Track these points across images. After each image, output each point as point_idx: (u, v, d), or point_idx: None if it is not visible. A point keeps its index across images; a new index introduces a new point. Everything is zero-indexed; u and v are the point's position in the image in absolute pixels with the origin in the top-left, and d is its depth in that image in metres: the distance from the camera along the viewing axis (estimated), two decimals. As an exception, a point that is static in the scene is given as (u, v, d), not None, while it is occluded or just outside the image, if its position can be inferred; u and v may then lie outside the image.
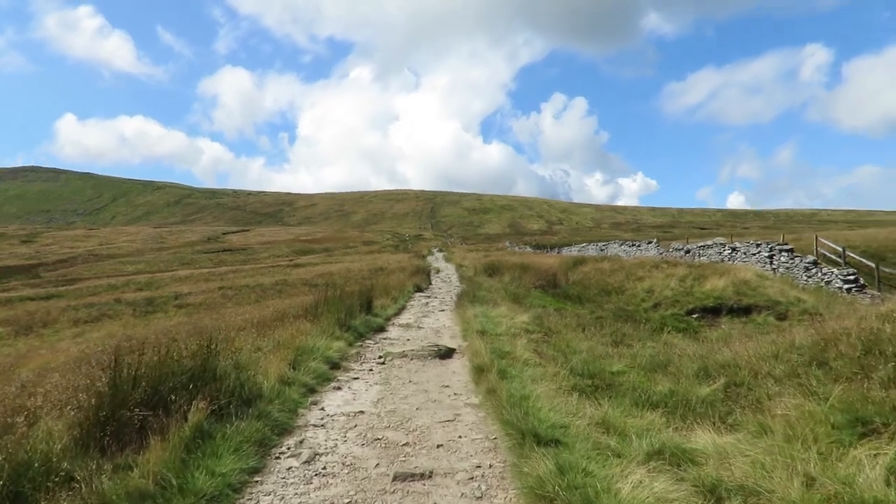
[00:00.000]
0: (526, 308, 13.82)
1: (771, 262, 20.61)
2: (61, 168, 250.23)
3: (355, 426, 5.23)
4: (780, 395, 6.30)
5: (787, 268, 19.86)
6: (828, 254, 21.55)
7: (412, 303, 15.89)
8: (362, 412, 5.68)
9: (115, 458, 4.08)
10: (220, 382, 5.13)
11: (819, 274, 18.61)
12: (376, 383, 7.01)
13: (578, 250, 43.90)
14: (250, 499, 3.79)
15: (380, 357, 8.56)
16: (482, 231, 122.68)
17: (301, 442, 4.78)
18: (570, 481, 3.58)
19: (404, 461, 4.39)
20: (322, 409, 5.78)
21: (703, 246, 25.04)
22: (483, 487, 3.94)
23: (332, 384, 6.83)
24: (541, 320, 11.83)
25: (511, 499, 3.79)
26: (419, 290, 19.47)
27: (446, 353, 8.78)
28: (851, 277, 17.49)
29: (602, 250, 38.32)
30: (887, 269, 19.71)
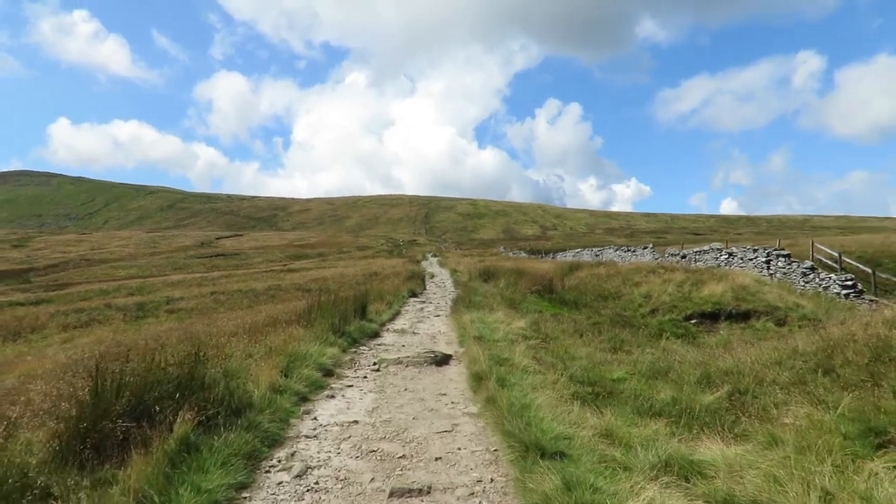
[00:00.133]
0: (522, 313, 13.64)
1: (768, 268, 20.49)
2: (54, 172, 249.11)
3: (349, 437, 5.02)
4: (786, 404, 6.13)
5: (785, 273, 19.75)
6: (824, 259, 21.47)
7: (407, 308, 15.68)
8: (356, 422, 5.47)
9: (96, 473, 3.86)
10: (209, 391, 4.91)
11: (817, 279, 18.50)
12: (371, 391, 6.79)
13: (573, 255, 43.77)
14: (238, 517, 3.58)
15: (374, 364, 8.34)
16: (476, 236, 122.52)
17: (292, 454, 4.56)
18: (577, 499, 3.38)
19: (401, 475, 4.18)
20: (315, 418, 5.56)
21: (700, 251, 24.92)
22: (485, 504, 3.74)
23: (326, 392, 6.61)
24: (538, 326, 11.65)
25: (515, 517, 3.60)
26: (414, 295, 19.27)
27: (442, 360, 8.58)
28: (849, 283, 17.38)
29: (597, 256, 38.20)
30: (883, 275, 19.62)
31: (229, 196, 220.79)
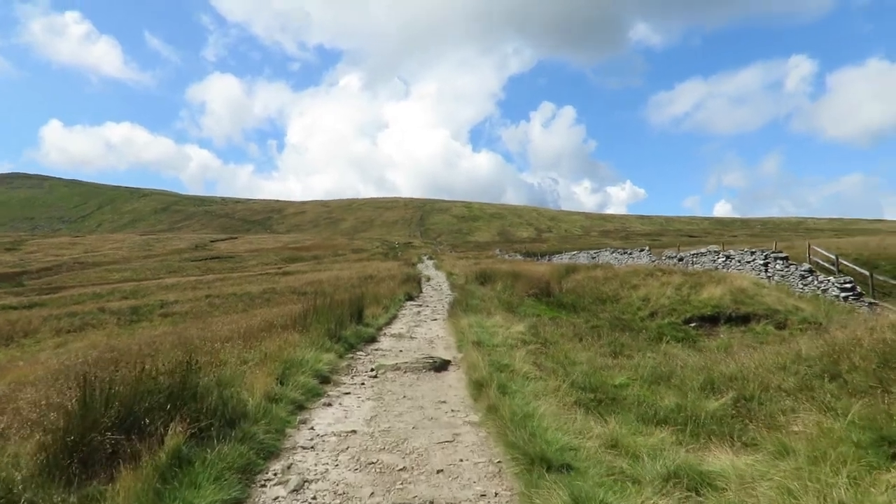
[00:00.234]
0: (520, 317, 13.50)
1: (766, 270, 20.42)
2: (46, 175, 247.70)
3: (347, 448, 4.86)
4: (794, 411, 6.00)
5: (783, 276, 19.67)
6: (821, 262, 21.42)
7: (403, 312, 15.52)
8: (354, 432, 5.31)
9: (83, 489, 3.70)
10: (202, 402, 4.75)
11: (815, 282, 18.42)
12: (369, 399, 6.64)
13: (569, 258, 43.68)
14: (232, 535, 3.42)
15: (372, 370, 8.18)
16: (471, 239, 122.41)
17: (289, 467, 4.40)
18: (588, 516, 3.23)
19: (401, 489, 4.02)
20: (311, 428, 5.40)
21: (697, 254, 24.84)
22: (489, 520, 3.59)
23: (322, 400, 6.45)
24: (537, 330, 11.50)
25: (521, 534, 3.44)
26: (410, 298, 19.11)
27: (441, 366, 8.43)
28: (848, 286, 17.30)
29: (593, 258, 38.11)
30: (881, 277, 19.57)
31: (223, 199, 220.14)
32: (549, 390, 6.45)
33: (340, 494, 3.93)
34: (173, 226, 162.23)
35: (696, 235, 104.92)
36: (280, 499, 3.86)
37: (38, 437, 4.17)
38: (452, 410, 6.10)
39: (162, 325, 24.02)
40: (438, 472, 4.33)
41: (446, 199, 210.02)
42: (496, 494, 3.94)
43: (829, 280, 18.08)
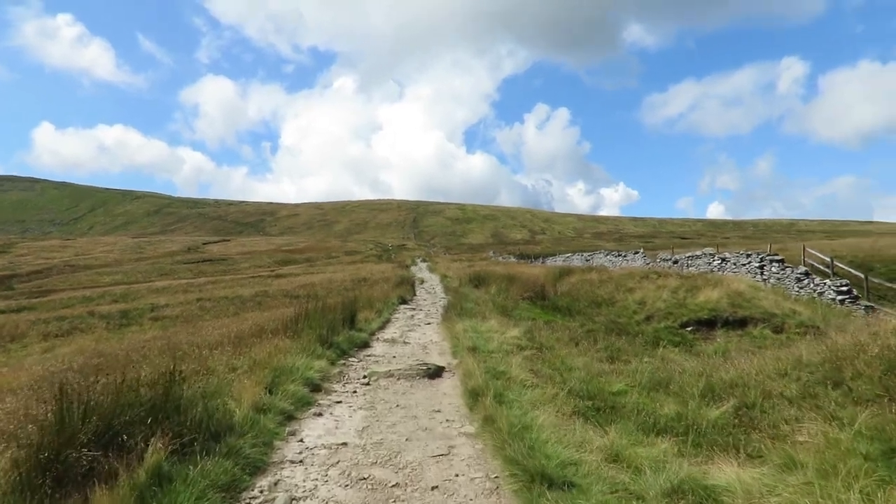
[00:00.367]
0: (515, 321, 13.32)
1: (761, 273, 20.32)
2: (38, 177, 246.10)
3: (338, 462, 4.66)
4: (798, 420, 5.84)
5: (779, 279, 19.58)
6: (815, 264, 21.33)
7: (397, 315, 15.32)
8: (346, 444, 5.11)
9: (57, 510, 3.49)
10: (185, 414, 4.54)
11: (811, 285, 18.32)
12: (361, 408, 6.43)
13: (563, 260, 43.56)
14: (213, 561, 3.21)
15: (364, 377, 7.98)
16: (465, 241, 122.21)
17: (276, 483, 4.20)
18: (593, 540, 3.05)
19: (394, 508, 3.83)
20: (301, 440, 5.19)
21: (692, 256, 24.74)
22: (487, 541, 3.40)
23: (313, 409, 6.24)
24: (532, 335, 11.33)
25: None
26: (404, 301, 18.90)
27: (435, 372, 8.23)
28: (845, 289, 17.20)
29: (587, 260, 38.00)
30: (876, 280, 19.49)
31: (217, 201, 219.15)
32: (546, 399, 6.27)
33: (329, 514, 3.74)
34: (165, 228, 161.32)
35: (689, 237, 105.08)
36: (266, 519, 3.66)
37: (10, 453, 3.96)
38: (447, 420, 5.91)
39: (152, 330, 23.73)
40: (433, 488, 4.13)
41: (440, 200, 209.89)
42: (494, 514, 3.76)
43: (825, 283, 17.98)
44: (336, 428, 5.62)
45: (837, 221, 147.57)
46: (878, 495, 3.75)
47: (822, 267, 20.91)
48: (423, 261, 55.89)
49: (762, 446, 5.34)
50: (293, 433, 5.36)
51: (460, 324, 11.81)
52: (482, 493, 4.05)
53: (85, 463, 3.86)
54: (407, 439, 5.25)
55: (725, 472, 4.50)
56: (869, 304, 16.97)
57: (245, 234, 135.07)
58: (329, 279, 35.35)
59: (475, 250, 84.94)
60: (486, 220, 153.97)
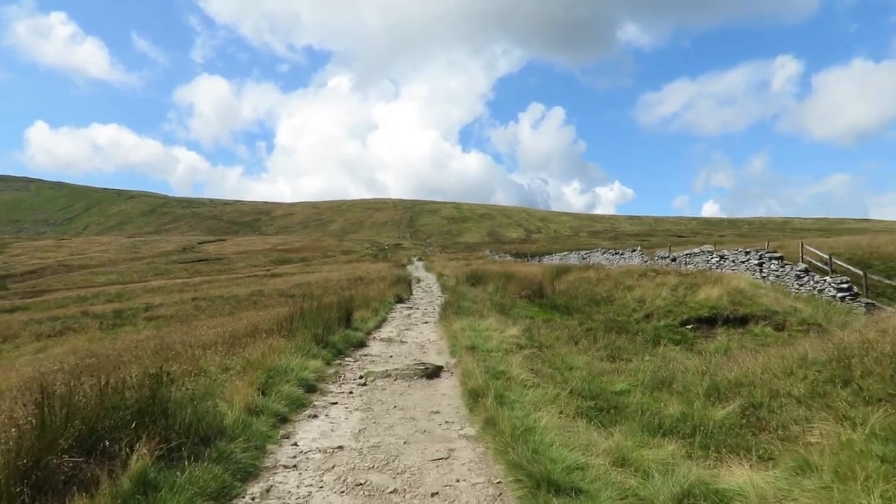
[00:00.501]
0: (514, 319, 13.13)
1: (761, 271, 20.18)
2: (32, 177, 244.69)
3: (333, 466, 4.46)
4: (808, 420, 5.67)
5: (778, 276, 19.43)
6: (814, 261, 21.22)
7: (393, 314, 15.12)
8: (341, 447, 4.91)
9: (35, 520, 3.29)
10: (174, 417, 4.34)
11: (811, 282, 18.19)
12: (357, 409, 6.24)
13: (560, 259, 43.41)
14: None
15: (360, 377, 7.78)
16: (461, 240, 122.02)
17: (268, 490, 4.00)
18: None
19: (392, 516, 3.64)
20: (295, 443, 4.99)
21: (690, 254, 24.59)
22: (491, 552, 3.21)
23: (308, 411, 6.04)
24: (531, 333, 11.14)
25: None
26: (400, 300, 18.70)
27: (433, 372, 8.04)
28: (845, 286, 17.06)
29: (584, 259, 37.85)
30: (874, 277, 19.38)
31: (212, 200, 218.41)
32: (548, 399, 6.09)
33: (324, 522, 3.54)
34: (161, 228, 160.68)
35: (685, 235, 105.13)
36: (257, 529, 3.47)
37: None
38: (446, 422, 5.72)
39: (146, 330, 23.49)
40: (433, 494, 3.94)
41: (436, 200, 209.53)
42: (498, 522, 3.57)
43: (825, 280, 17.85)
44: (331, 430, 5.42)
45: (833, 219, 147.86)
46: (901, 499, 3.59)
47: (820, 264, 20.80)
48: (420, 260, 55.69)
49: (772, 448, 5.18)
50: (287, 436, 5.16)
51: (458, 322, 11.62)
52: (485, 500, 3.86)
53: (67, 469, 3.66)
54: (405, 442, 5.06)
55: (737, 476, 4.32)
56: (870, 301, 16.85)
57: (241, 234, 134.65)
58: (325, 278, 35.13)
59: (471, 249, 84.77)
60: (482, 220, 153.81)
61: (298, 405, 6.13)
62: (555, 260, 43.22)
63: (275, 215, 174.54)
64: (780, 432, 5.54)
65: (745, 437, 5.63)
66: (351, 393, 6.94)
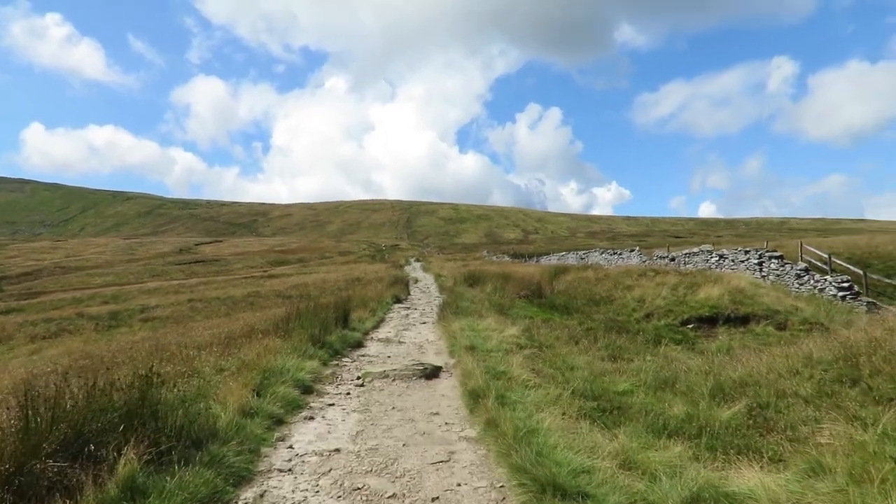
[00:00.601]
0: (513, 319, 12.99)
1: (760, 270, 20.06)
2: (28, 178, 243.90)
3: (330, 470, 4.31)
4: (818, 421, 5.53)
5: (778, 275, 19.31)
6: (813, 261, 21.12)
7: (391, 315, 14.97)
8: (338, 450, 4.76)
9: (15, 529, 3.13)
10: (164, 420, 4.18)
11: (812, 281, 18.07)
12: (355, 410, 6.08)
13: (558, 259, 43.29)
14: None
15: (358, 378, 7.63)
16: (459, 241, 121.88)
17: (262, 495, 3.84)
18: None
19: (392, 522, 3.49)
20: (290, 446, 4.84)
21: (689, 253, 24.47)
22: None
23: (304, 413, 5.88)
24: (531, 333, 11.00)
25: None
26: (398, 301, 18.55)
27: (432, 373, 7.89)
28: (846, 285, 16.94)
29: (582, 259, 37.73)
30: (874, 276, 19.28)
31: (209, 202, 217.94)
32: (550, 400, 5.95)
33: (320, 529, 3.39)
34: (157, 229, 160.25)
35: (682, 236, 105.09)
36: (250, 536, 3.31)
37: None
38: (446, 423, 5.56)
39: (141, 331, 23.32)
40: (434, 500, 3.78)
41: (433, 200, 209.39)
42: (502, 529, 3.41)
43: (825, 279, 17.73)
44: (328, 433, 5.27)
45: (829, 219, 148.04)
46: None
47: (819, 264, 20.70)
48: (417, 260, 55.55)
49: (781, 449, 5.04)
50: (282, 439, 5.01)
51: (456, 322, 11.48)
52: (487, 505, 3.71)
53: (51, 475, 3.51)
54: (404, 445, 4.91)
55: (747, 478, 4.19)
56: (871, 300, 16.73)
57: (237, 235, 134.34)
58: (322, 279, 34.98)
59: (469, 250, 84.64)
60: (480, 220, 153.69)
61: (294, 407, 5.97)
62: (552, 260, 43.10)
63: (272, 216, 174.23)
64: (788, 433, 5.40)
65: (752, 438, 5.49)
66: (348, 394, 6.79)
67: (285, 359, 7.39)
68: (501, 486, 3.95)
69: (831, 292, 16.97)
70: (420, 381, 7.46)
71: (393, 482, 4.07)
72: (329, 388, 7.02)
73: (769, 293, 16.14)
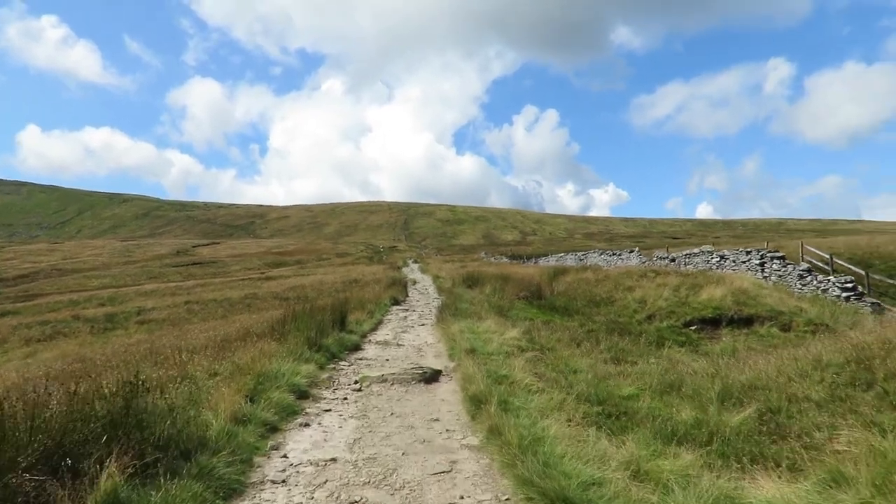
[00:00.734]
0: (513, 321, 12.79)
1: (762, 271, 19.87)
2: (24, 181, 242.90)
3: (325, 482, 4.09)
4: (832, 427, 5.33)
5: (780, 276, 19.13)
6: (814, 261, 20.95)
7: (389, 317, 14.75)
8: (335, 459, 4.54)
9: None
10: (150, 430, 3.96)
11: (814, 282, 17.88)
12: (352, 416, 5.87)
13: (557, 260, 43.10)
14: None
15: (355, 382, 7.42)
16: (456, 242, 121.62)
17: (253, 510, 3.63)
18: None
19: (391, 539, 3.27)
20: (284, 455, 4.62)
21: (690, 254, 24.28)
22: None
23: (299, 419, 5.66)
24: (532, 335, 10.79)
25: None
26: (396, 302, 18.33)
27: (432, 377, 7.68)
28: (849, 285, 16.75)
29: (581, 260, 37.54)
30: (876, 277, 19.10)
31: (206, 204, 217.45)
32: (554, 405, 5.74)
33: (315, 548, 3.17)
34: (154, 231, 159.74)
35: (680, 237, 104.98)
36: (239, 556, 3.09)
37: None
38: (447, 430, 5.35)
39: (137, 334, 23.08)
40: (435, 514, 3.58)
41: (430, 202, 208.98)
42: (509, 546, 3.20)
43: (829, 280, 17.54)
44: (324, 440, 5.05)
45: (826, 220, 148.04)
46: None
47: (820, 264, 20.53)
48: (415, 262, 55.31)
49: (796, 457, 4.83)
50: (276, 447, 4.79)
51: (456, 325, 11.27)
52: (493, 521, 3.50)
53: (28, 489, 3.29)
54: (403, 453, 4.69)
55: (764, 489, 3.99)
56: (875, 301, 16.54)
57: (235, 237, 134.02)
58: (320, 281, 34.76)
59: (467, 251, 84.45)
60: (477, 222, 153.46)
61: (289, 413, 5.76)
62: (551, 261, 42.90)
63: (269, 218, 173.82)
64: (803, 440, 5.19)
65: (765, 444, 5.28)
66: (345, 399, 6.58)
67: (281, 363, 7.18)
68: (507, 500, 3.73)
69: (835, 293, 16.78)
70: (419, 386, 7.25)
71: (392, 495, 3.86)
72: (326, 393, 6.82)
73: (772, 294, 15.95)
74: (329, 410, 6.07)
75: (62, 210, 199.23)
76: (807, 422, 5.61)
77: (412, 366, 8.08)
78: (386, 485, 4.03)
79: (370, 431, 5.32)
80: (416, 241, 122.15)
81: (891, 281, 18.86)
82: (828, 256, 20.54)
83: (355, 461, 4.50)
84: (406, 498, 3.80)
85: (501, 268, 31.90)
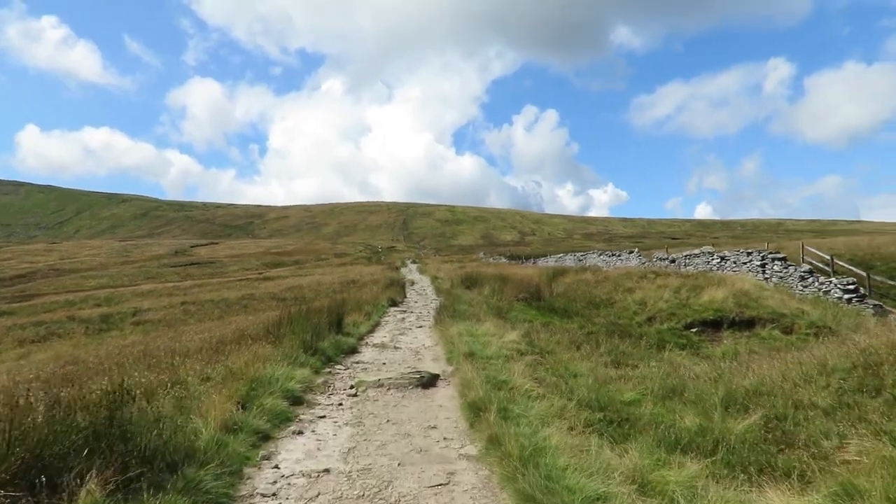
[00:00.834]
0: (512, 323, 12.63)
1: (763, 272, 19.73)
2: (22, 181, 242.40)
3: (318, 495, 3.93)
4: (841, 435, 5.17)
5: (781, 277, 18.98)
6: (815, 262, 20.80)
7: (387, 318, 14.60)
8: (328, 470, 4.38)
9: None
10: (135, 441, 3.80)
11: (816, 283, 17.73)
12: (347, 423, 5.71)
13: (555, 261, 42.95)
14: None
15: (351, 387, 7.26)
16: (455, 242, 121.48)
17: (241, 526, 3.47)
18: None
19: (385, 558, 3.11)
20: (276, 466, 4.46)
21: (690, 255, 24.13)
22: None
23: (292, 427, 5.50)
24: (531, 338, 10.63)
25: None
26: (394, 303, 18.18)
27: (429, 381, 7.52)
28: (851, 287, 16.60)
29: (580, 261, 37.40)
30: (877, 278, 18.96)
31: (204, 204, 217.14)
32: (555, 412, 5.59)
33: (305, 568, 3.01)
34: (153, 231, 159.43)
35: (679, 237, 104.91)
36: (225, 577, 2.93)
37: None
38: (445, 439, 5.19)
39: (132, 335, 22.88)
40: (432, 531, 3.42)
41: (430, 202, 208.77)
42: (509, 567, 3.04)
43: (830, 281, 17.39)
44: (318, 449, 4.89)
45: (825, 221, 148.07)
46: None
47: (821, 265, 20.39)
48: (414, 262, 55.16)
49: (804, 466, 4.68)
50: (267, 457, 4.63)
51: (454, 327, 11.11)
52: (492, 538, 3.34)
53: (5, 506, 3.13)
54: (399, 464, 4.53)
55: (773, 502, 3.84)
56: (878, 302, 16.40)
57: (233, 237, 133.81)
58: (318, 281, 34.60)
59: (465, 252, 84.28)
60: (476, 222, 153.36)
61: (282, 420, 5.60)
62: (550, 262, 42.75)
63: (268, 218, 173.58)
64: (811, 448, 5.04)
65: (772, 453, 5.12)
66: (340, 405, 6.42)
67: (275, 367, 7.02)
68: (508, 515, 3.58)
69: (836, 295, 16.63)
70: (416, 391, 7.10)
71: (387, 510, 3.70)
72: (320, 399, 6.66)
73: (774, 296, 15.79)
74: (324, 417, 5.91)
75: (60, 210, 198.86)
76: (814, 429, 5.46)
77: (409, 370, 7.93)
78: (380, 499, 3.86)
79: (365, 440, 5.17)
80: (414, 241, 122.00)
81: (892, 282, 18.72)
82: (828, 258, 20.40)
83: (349, 472, 4.34)
84: (402, 513, 3.64)
85: (500, 268, 31.74)
